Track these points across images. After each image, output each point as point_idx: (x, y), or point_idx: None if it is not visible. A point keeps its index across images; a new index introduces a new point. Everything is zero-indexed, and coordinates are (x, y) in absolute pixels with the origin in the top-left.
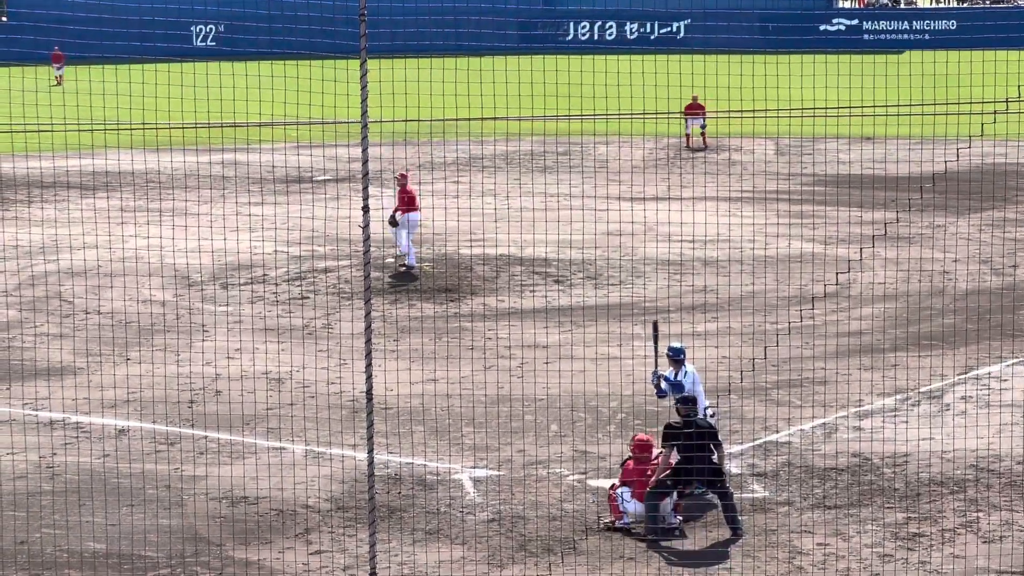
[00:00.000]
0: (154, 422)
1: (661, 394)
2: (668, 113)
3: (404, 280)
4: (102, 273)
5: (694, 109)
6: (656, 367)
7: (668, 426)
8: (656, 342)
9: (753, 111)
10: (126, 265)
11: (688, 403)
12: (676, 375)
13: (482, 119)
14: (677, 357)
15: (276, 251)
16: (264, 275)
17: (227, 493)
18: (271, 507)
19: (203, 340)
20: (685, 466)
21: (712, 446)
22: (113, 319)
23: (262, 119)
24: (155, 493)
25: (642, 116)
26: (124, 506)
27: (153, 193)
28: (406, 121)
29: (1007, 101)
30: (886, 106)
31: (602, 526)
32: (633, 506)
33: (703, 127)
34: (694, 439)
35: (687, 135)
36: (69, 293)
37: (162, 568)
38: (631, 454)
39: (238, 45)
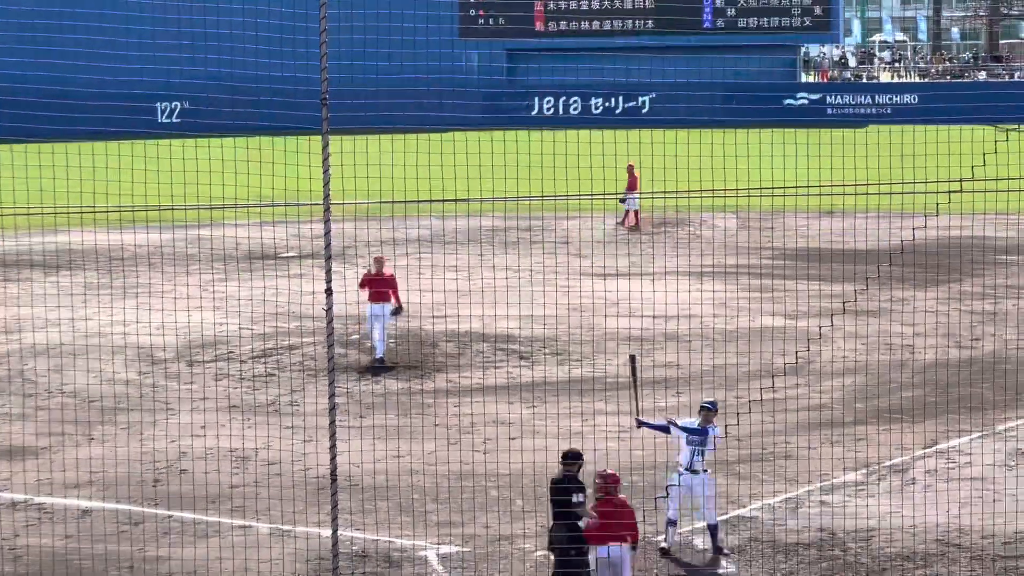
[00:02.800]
0: (118, 502)
1: (664, 430)
2: (651, 192)
3: (372, 355)
4: (65, 352)
5: (633, 182)
6: (637, 401)
7: (554, 481)
8: (635, 376)
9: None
10: (89, 343)
11: (568, 458)
12: (704, 427)
13: (443, 200)
14: (712, 408)
15: (241, 328)
16: (229, 352)
17: (190, 573)
18: None
19: (167, 418)
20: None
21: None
22: (76, 398)
23: (225, 196)
24: (118, 575)
25: (603, 196)
26: None
27: (117, 270)
28: (368, 203)
29: (961, 181)
30: (843, 185)
31: None
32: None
33: (623, 202)
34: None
35: (635, 212)
36: (31, 372)
37: None
38: (599, 494)
39: (203, 118)
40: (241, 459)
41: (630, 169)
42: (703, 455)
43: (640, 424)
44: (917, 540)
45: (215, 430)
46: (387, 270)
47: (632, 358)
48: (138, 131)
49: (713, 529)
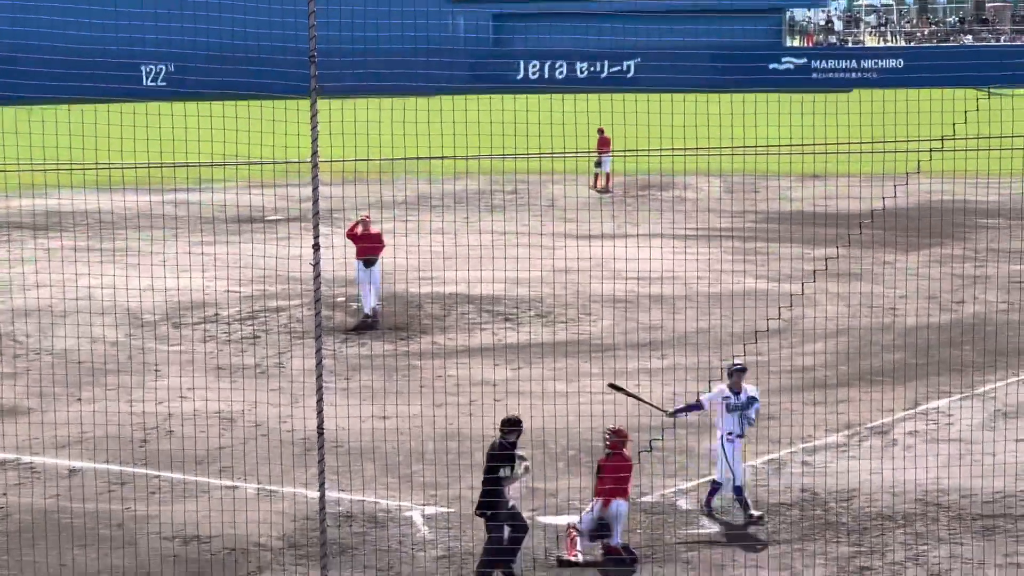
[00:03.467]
0: (106, 462)
1: (697, 408)
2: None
3: (358, 316)
4: (53, 313)
5: (603, 145)
6: (651, 404)
7: (491, 447)
8: (630, 394)
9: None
10: (78, 304)
11: (507, 425)
12: (737, 391)
13: (430, 158)
14: (734, 371)
15: (228, 290)
16: (216, 314)
17: (179, 532)
18: (223, 545)
19: (155, 379)
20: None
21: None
22: (66, 358)
23: (213, 159)
24: (107, 533)
25: (587, 154)
26: (75, 546)
27: (104, 233)
28: (356, 160)
29: (943, 139)
30: (825, 143)
31: (553, 562)
32: (593, 540)
33: (599, 165)
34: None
35: (607, 174)
36: (19, 332)
37: None
38: (609, 450)
39: (188, 85)
40: (227, 420)
41: (600, 132)
42: (749, 420)
43: (674, 414)
44: (898, 500)
45: (202, 391)
46: (374, 229)
47: (612, 387)
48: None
49: (740, 491)
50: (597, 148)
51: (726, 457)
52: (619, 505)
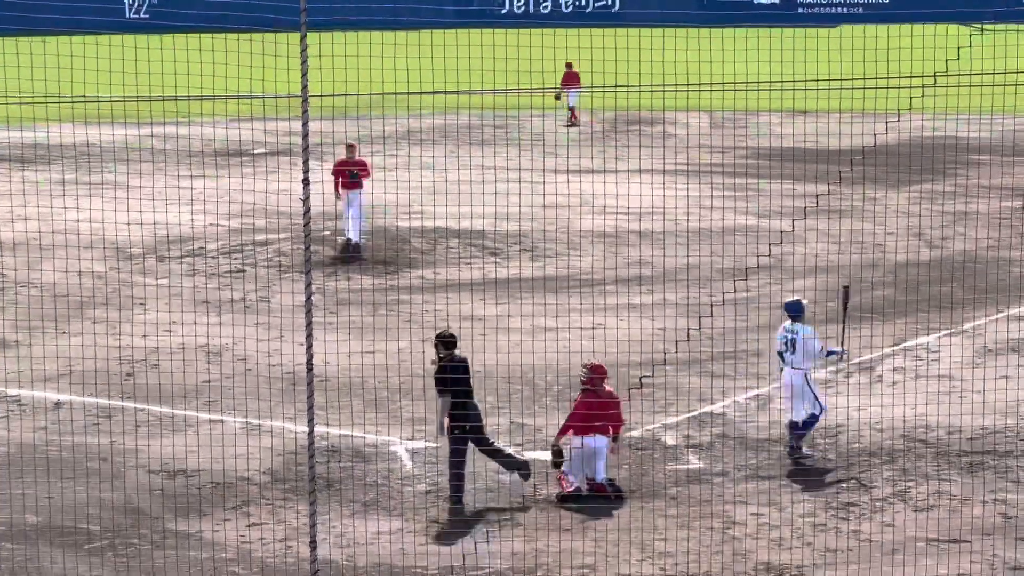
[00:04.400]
0: (91, 395)
1: (831, 353)
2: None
3: (346, 260)
4: (37, 246)
5: (571, 79)
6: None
7: (438, 372)
8: (846, 308)
9: (686, 85)
10: (64, 238)
11: (449, 345)
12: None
13: (421, 93)
14: (796, 312)
15: (214, 224)
16: (202, 248)
17: (165, 466)
18: (209, 479)
19: (140, 313)
20: (457, 412)
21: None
22: (52, 291)
23: (202, 92)
24: (92, 466)
25: (577, 90)
26: (61, 479)
27: (88, 166)
28: (346, 95)
29: (935, 75)
30: (816, 81)
31: (547, 498)
32: (578, 475)
33: (558, 98)
34: (461, 383)
35: (570, 109)
36: (5, 266)
37: (100, 540)
38: (584, 386)
39: (171, 18)
40: (213, 354)
41: (568, 67)
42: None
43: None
44: (884, 436)
45: (187, 325)
46: (358, 156)
47: (846, 289)
48: (105, 26)
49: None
50: (562, 83)
51: (813, 391)
52: (594, 441)
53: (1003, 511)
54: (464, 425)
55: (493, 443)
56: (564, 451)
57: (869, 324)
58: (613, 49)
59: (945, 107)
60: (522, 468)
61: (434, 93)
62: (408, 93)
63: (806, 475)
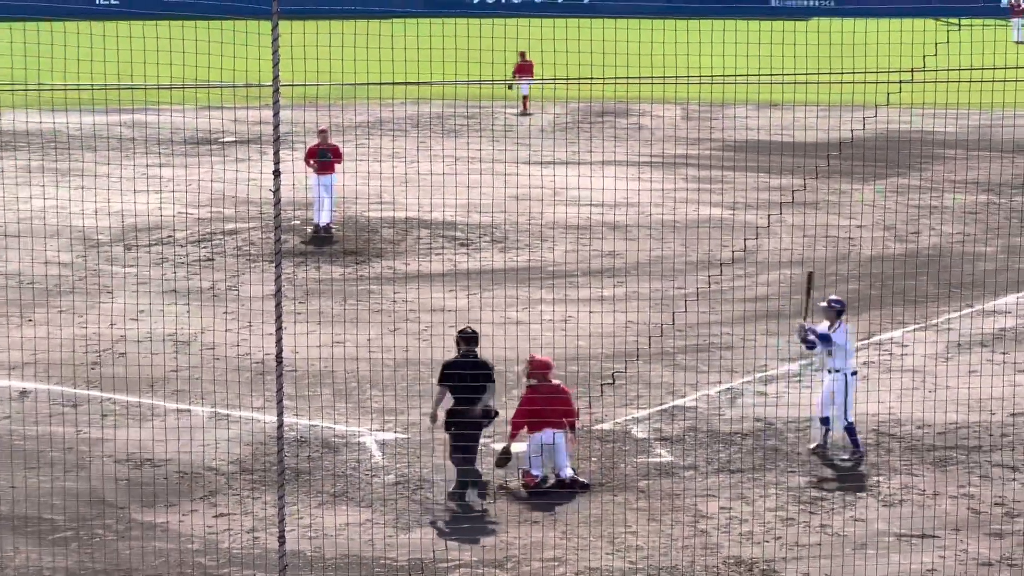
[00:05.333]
0: (57, 384)
1: (810, 346)
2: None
3: (317, 244)
4: (3, 234)
5: (524, 69)
6: (806, 317)
7: (445, 364)
8: (809, 293)
9: (660, 77)
10: (30, 226)
11: (469, 340)
12: (831, 328)
13: (393, 83)
14: (839, 307)
15: (182, 213)
16: (168, 236)
17: (131, 455)
18: (176, 469)
19: (107, 302)
20: (456, 407)
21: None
22: (18, 279)
23: (172, 81)
24: (58, 455)
25: (551, 81)
26: (25, 468)
27: (55, 153)
28: (317, 85)
29: (912, 71)
30: (794, 74)
31: (514, 489)
32: (540, 468)
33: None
34: (468, 379)
35: (524, 97)
36: None
37: (65, 531)
38: (528, 380)
39: (141, 5)
40: (180, 343)
41: (522, 56)
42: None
43: (804, 340)
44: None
45: (154, 314)
46: (331, 140)
47: (810, 275)
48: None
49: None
50: (515, 71)
51: (847, 393)
52: (548, 436)
53: (972, 506)
54: (455, 422)
55: (473, 455)
56: (512, 453)
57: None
58: (588, 41)
59: (914, 103)
60: (481, 487)
61: (381, 84)
62: (368, 84)
63: (775, 469)
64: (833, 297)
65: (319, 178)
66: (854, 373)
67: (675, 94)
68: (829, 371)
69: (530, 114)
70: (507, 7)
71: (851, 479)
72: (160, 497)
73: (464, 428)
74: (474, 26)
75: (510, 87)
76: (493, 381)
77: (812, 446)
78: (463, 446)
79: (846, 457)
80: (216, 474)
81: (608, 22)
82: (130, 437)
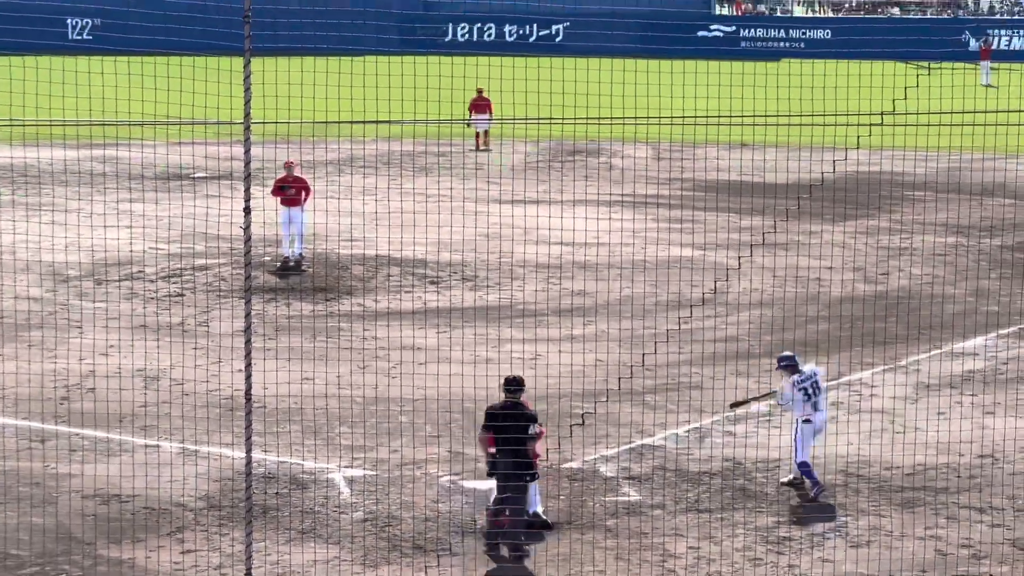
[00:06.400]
0: (25, 419)
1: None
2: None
3: (285, 277)
4: None
5: (480, 105)
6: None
7: (489, 408)
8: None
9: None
10: (0, 259)
11: (511, 384)
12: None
13: (364, 122)
14: (790, 364)
15: (153, 248)
16: (139, 272)
17: (99, 491)
18: (143, 505)
19: (76, 336)
20: (493, 458)
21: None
22: None
23: (144, 116)
24: (26, 491)
25: (518, 121)
26: None
27: (26, 188)
28: (288, 122)
29: (882, 115)
30: (765, 115)
31: (482, 532)
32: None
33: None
34: (510, 424)
35: (483, 132)
36: None
37: (31, 567)
38: None
39: (114, 41)
40: (150, 379)
41: (479, 92)
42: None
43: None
44: (821, 471)
45: (124, 349)
46: (297, 172)
47: (733, 405)
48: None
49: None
50: (471, 107)
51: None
52: None
53: (939, 548)
54: (494, 463)
55: (524, 507)
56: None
57: (806, 358)
58: (560, 81)
59: (890, 145)
60: (542, 527)
61: (352, 123)
62: (339, 122)
63: (743, 509)
64: (782, 355)
65: (288, 211)
66: (807, 421)
67: (646, 134)
68: (820, 409)
69: (488, 150)
70: (479, 46)
71: (819, 520)
72: (127, 533)
73: (501, 479)
74: (446, 64)
75: (469, 124)
76: (539, 434)
77: (786, 480)
78: (504, 497)
79: (811, 495)
80: (184, 510)
81: (580, 61)
82: (98, 472)
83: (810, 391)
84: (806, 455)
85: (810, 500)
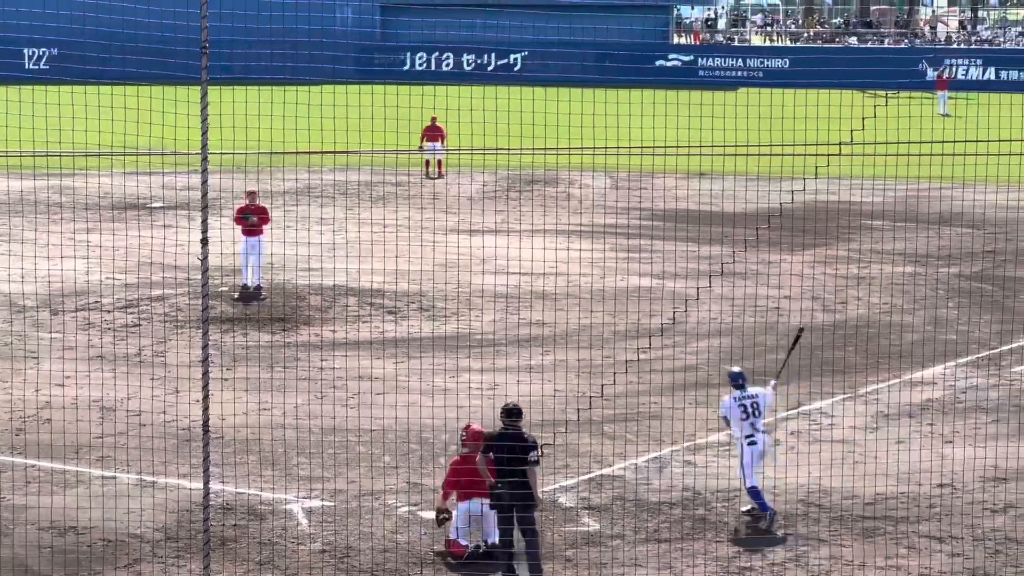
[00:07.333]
0: None
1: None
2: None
3: (244, 306)
4: None
5: (434, 132)
6: (778, 377)
7: (488, 436)
8: (790, 352)
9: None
10: None
11: (511, 414)
12: (739, 396)
13: (322, 152)
14: (736, 380)
15: (110, 278)
16: (95, 302)
17: (55, 523)
18: (100, 537)
19: (32, 367)
20: (496, 488)
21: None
22: None
23: (101, 147)
24: None
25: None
26: None
27: None
28: (246, 153)
29: (840, 144)
30: (723, 145)
31: (437, 558)
32: (468, 537)
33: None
34: (506, 452)
35: (427, 161)
36: None
37: None
38: (464, 448)
39: (71, 72)
40: (106, 409)
41: (433, 120)
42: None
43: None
44: (780, 500)
45: (80, 380)
46: (259, 201)
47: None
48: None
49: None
50: (424, 134)
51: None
52: (476, 506)
53: None
54: (495, 495)
55: (536, 534)
56: (449, 510)
57: (764, 386)
58: (518, 112)
59: (845, 174)
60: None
61: (310, 153)
62: (297, 152)
63: (703, 539)
64: (732, 370)
65: (247, 239)
66: (751, 442)
67: (602, 163)
68: (761, 431)
69: (439, 177)
70: (437, 75)
71: (778, 550)
72: (84, 565)
73: (504, 509)
74: (404, 95)
75: (421, 148)
76: (536, 462)
77: (745, 509)
78: (506, 528)
79: (762, 526)
80: (141, 542)
81: (538, 91)
82: (54, 504)
83: (749, 409)
84: (755, 480)
85: (764, 531)
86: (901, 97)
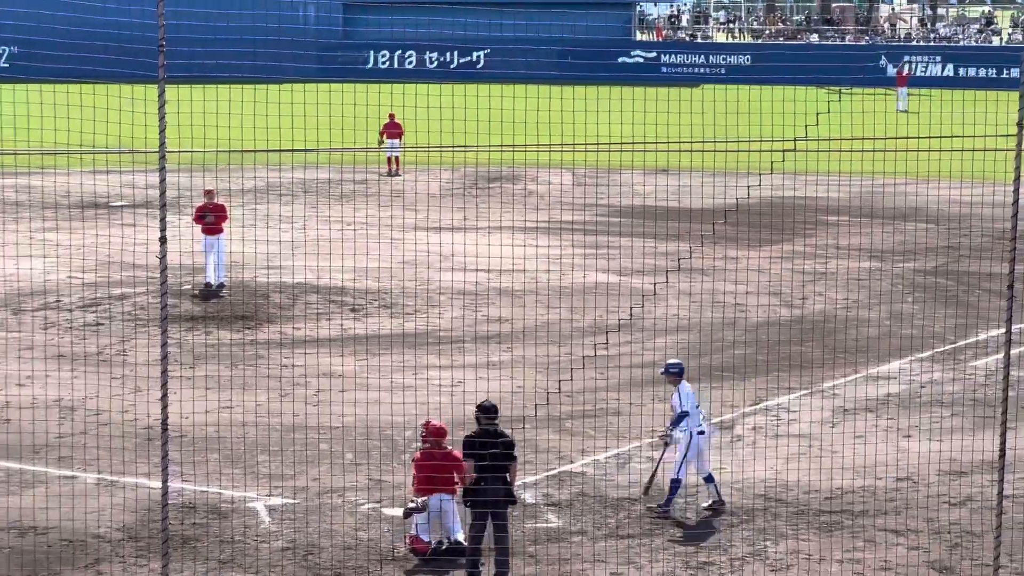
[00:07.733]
0: None
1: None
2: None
3: (204, 305)
4: None
5: (393, 129)
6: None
7: (468, 436)
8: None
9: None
10: None
11: (488, 412)
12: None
13: (281, 150)
14: (675, 371)
15: (70, 277)
16: (56, 301)
17: (14, 523)
18: (61, 537)
19: None
20: (475, 486)
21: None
22: None
23: (57, 145)
24: None
25: (438, 149)
26: None
27: None
28: (204, 152)
29: (795, 140)
30: (679, 142)
31: (402, 554)
32: (431, 534)
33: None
34: (488, 450)
35: (389, 159)
36: None
37: None
38: (421, 444)
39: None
40: (67, 409)
41: (391, 117)
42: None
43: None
44: (742, 495)
45: (41, 379)
46: (218, 200)
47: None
48: None
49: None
50: (383, 131)
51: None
52: (436, 501)
53: (858, 570)
54: (472, 498)
55: (507, 531)
56: (419, 504)
57: (727, 383)
58: (478, 109)
59: (804, 170)
60: (502, 571)
61: (269, 152)
62: (255, 151)
63: (665, 534)
64: (671, 362)
65: (206, 238)
66: (700, 432)
67: (561, 160)
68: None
69: (399, 175)
70: (400, 73)
71: (738, 544)
72: (43, 566)
73: (482, 506)
74: (363, 92)
75: (380, 143)
76: (514, 458)
77: (706, 504)
78: (480, 524)
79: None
80: (101, 541)
81: (503, 87)
82: (12, 504)
83: (696, 399)
84: (684, 472)
85: (657, 513)
86: (862, 93)
